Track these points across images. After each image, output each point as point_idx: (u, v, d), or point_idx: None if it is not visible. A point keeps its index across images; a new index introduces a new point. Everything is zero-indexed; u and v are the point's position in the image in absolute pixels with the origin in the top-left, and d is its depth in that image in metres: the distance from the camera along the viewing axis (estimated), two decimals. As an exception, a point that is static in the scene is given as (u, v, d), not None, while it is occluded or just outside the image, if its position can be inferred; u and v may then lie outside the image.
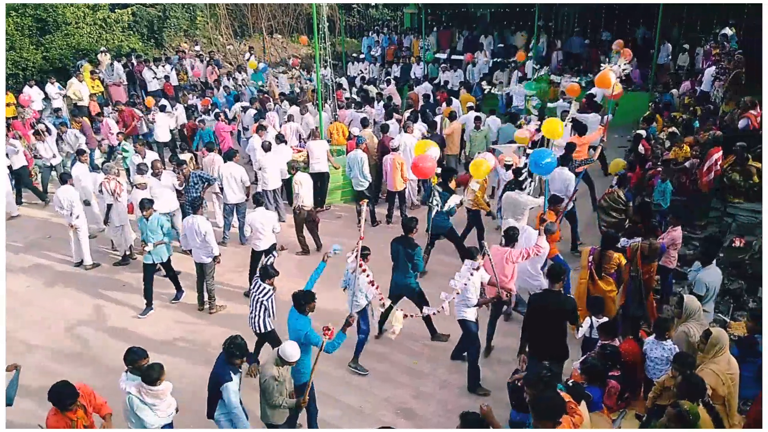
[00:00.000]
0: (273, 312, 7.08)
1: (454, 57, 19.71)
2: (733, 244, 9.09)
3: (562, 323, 6.16)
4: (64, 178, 10.07)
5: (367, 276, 7.11)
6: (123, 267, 10.32)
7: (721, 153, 9.49)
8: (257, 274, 7.27)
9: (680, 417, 4.30)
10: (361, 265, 6.94)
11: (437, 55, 20.32)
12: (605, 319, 6.53)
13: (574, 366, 6.04)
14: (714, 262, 6.95)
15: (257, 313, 7.03)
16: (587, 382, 5.61)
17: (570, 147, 10.35)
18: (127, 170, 12.49)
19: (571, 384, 5.14)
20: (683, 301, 5.93)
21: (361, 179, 11.33)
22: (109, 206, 10.01)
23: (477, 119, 13.08)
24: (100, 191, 10.16)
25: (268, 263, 7.29)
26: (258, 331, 7.12)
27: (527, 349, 6.25)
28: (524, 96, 16.18)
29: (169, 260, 9.00)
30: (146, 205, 8.69)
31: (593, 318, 6.52)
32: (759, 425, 4.80)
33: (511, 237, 7.24)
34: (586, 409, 5.05)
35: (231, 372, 5.50)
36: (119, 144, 12.80)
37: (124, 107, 15.15)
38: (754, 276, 8.43)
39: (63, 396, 4.98)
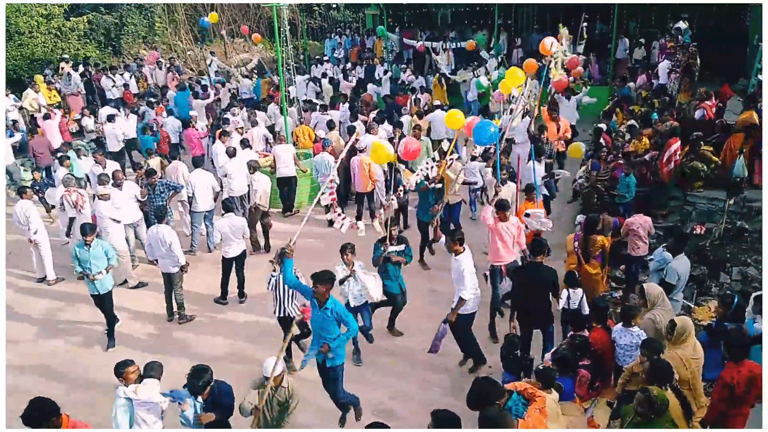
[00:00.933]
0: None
1: (406, 41, 19.91)
2: (694, 232, 9.35)
3: (546, 293, 6.69)
4: (21, 192, 9.81)
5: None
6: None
7: (679, 143, 9.75)
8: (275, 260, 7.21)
9: (648, 401, 4.42)
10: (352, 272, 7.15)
11: (388, 33, 20.38)
12: (580, 290, 6.91)
13: (546, 358, 6.14)
14: (683, 251, 7.15)
15: (283, 298, 7.10)
16: (559, 372, 5.71)
17: (534, 139, 10.64)
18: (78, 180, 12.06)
19: (541, 368, 5.18)
20: (644, 290, 6.10)
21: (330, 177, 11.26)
22: (71, 219, 9.77)
23: (416, 128, 12.00)
24: (62, 204, 9.92)
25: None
26: (281, 315, 7.20)
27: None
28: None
29: (110, 293, 8.19)
30: (88, 230, 7.87)
31: (570, 290, 6.89)
32: (722, 406, 4.93)
33: (503, 206, 7.46)
34: (556, 396, 5.11)
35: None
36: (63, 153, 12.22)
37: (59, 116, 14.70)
38: (715, 261, 8.69)
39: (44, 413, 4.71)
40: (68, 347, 8.30)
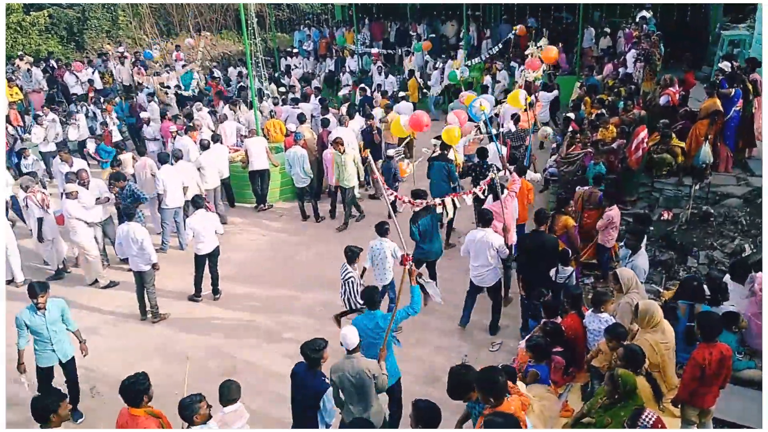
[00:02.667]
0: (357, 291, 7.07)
1: (362, 50, 20.07)
2: (661, 217, 9.55)
3: (547, 261, 7.18)
4: (-14, 193, 9.56)
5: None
6: (57, 281, 9.87)
7: (646, 131, 9.93)
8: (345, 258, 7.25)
9: (612, 381, 4.62)
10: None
11: (347, 45, 20.66)
12: (571, 268, 7.31)
13: (520, 345, 6.24)
14: (643, 247, 7.29)
15: (349, 293, 7.13)
16: (534, 360, 5.81)
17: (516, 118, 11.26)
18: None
19: (500, 366, 5.25)
20: (617, 276, 6.22)
21: (303, 176, 11.21)
22: (40, 220, 9.50)
23: (336, 143, 10.84)
24: (26, 206, 9.65)
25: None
26: (352, 308, 7.19)
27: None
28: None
29: (73, 359, 6.72)
30: (38, 290, 6.27)
31: (560, 266, 7.30)
32: (693, 385, 5.06)
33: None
34: (522, 386, 5.20)
35: (323, 378, 5.11)
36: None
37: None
38: (682, 246, 8.89)
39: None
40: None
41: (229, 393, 4.95)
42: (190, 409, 4.59)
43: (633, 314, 5.67)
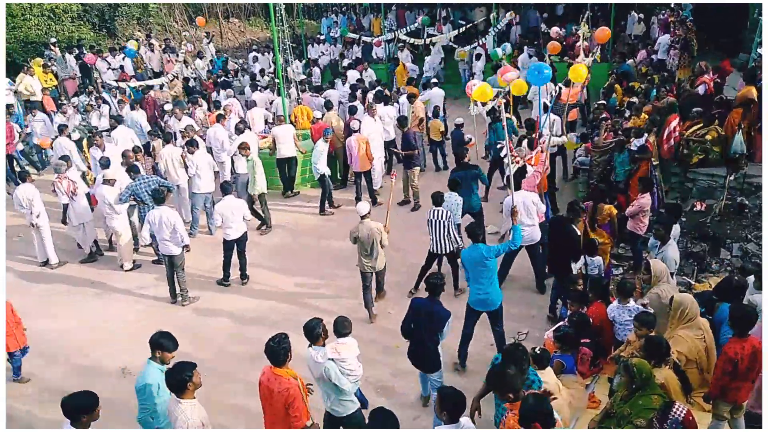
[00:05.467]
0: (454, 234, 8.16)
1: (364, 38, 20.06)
2: (694, 208, 9.35)
3: (566, 248, 7.28)
4: (23, 176, 9.76)
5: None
6: (90, 264, 10.11)
7: (678, 119, 9.69)
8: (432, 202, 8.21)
9: (626, 370, 4.59)
10: None
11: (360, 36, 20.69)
12: (599, 258, 7.28)
13: (547, 335, 6.19)
14: (674, 238, 7.16)
15: (439, 237, 8.08)
16: (560, 350, 5.77)
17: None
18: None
19: (538, 351, 5.24)
20: (650, 266, 6.12)
21: (317, 165, 11.24)
22: (65, 206, 9.67)
23: (241, 147, 10.49)
24: (53, 191, 9.85)
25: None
26: (443, 252, 8.15)
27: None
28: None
29: None
30: (171, 345, 5.48)
31: (587, 257, 7.30)
32: (724, 380, 4.97)
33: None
34: (553, 374, 5.18)
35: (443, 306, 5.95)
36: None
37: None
38: (715, 238, 8.71)
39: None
40: (69, 331, 8.30)
41: (342, 327, 5.38)
42: (317, 329, 5.24)
43: (667, 307, 5.57)
